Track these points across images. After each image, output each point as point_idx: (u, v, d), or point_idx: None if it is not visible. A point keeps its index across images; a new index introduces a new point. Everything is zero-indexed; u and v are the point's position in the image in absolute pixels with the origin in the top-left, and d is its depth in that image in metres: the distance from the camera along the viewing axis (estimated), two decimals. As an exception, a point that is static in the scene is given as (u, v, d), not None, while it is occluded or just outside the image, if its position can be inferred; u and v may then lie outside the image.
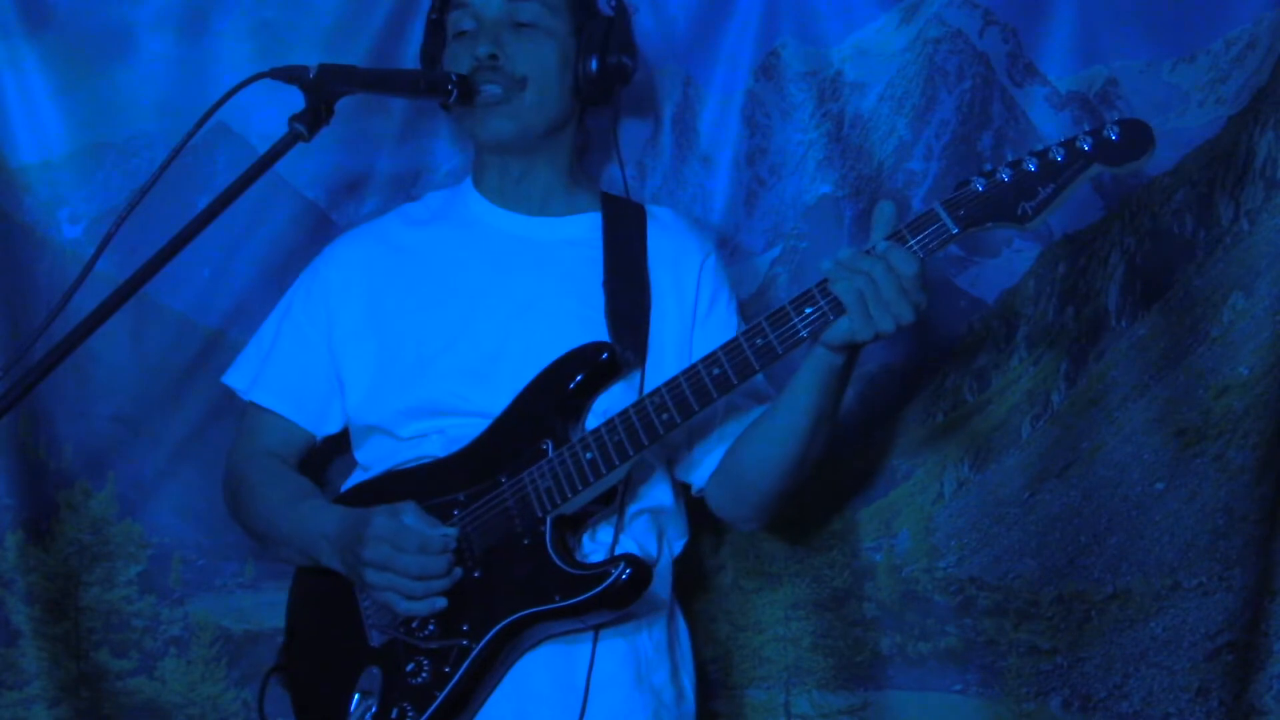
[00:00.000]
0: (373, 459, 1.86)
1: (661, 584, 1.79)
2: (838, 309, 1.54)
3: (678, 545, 1.87)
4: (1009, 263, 2.15)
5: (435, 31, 1.89)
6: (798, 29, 2.16)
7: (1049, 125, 2.10)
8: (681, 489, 1.89)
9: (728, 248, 2.17)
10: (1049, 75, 2.12)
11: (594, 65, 1.83)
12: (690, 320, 1.84)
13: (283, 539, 1.82)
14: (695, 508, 1.92)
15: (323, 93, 1.55)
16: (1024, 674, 2.12)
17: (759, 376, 1.86)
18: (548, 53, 1.82)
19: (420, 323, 1.81)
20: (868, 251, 1.54)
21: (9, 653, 2.05)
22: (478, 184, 1.92)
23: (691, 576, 2.20)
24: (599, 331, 1.76)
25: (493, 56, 1.78)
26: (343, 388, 1.86)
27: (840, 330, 1.56)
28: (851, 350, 1.62)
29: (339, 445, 1.95)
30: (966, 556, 2.15)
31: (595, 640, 1.68)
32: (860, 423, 2.16)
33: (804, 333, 1.56)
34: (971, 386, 2.16)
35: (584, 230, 1.87)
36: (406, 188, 2.16)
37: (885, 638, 2.16)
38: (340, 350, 1.86)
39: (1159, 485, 2.08)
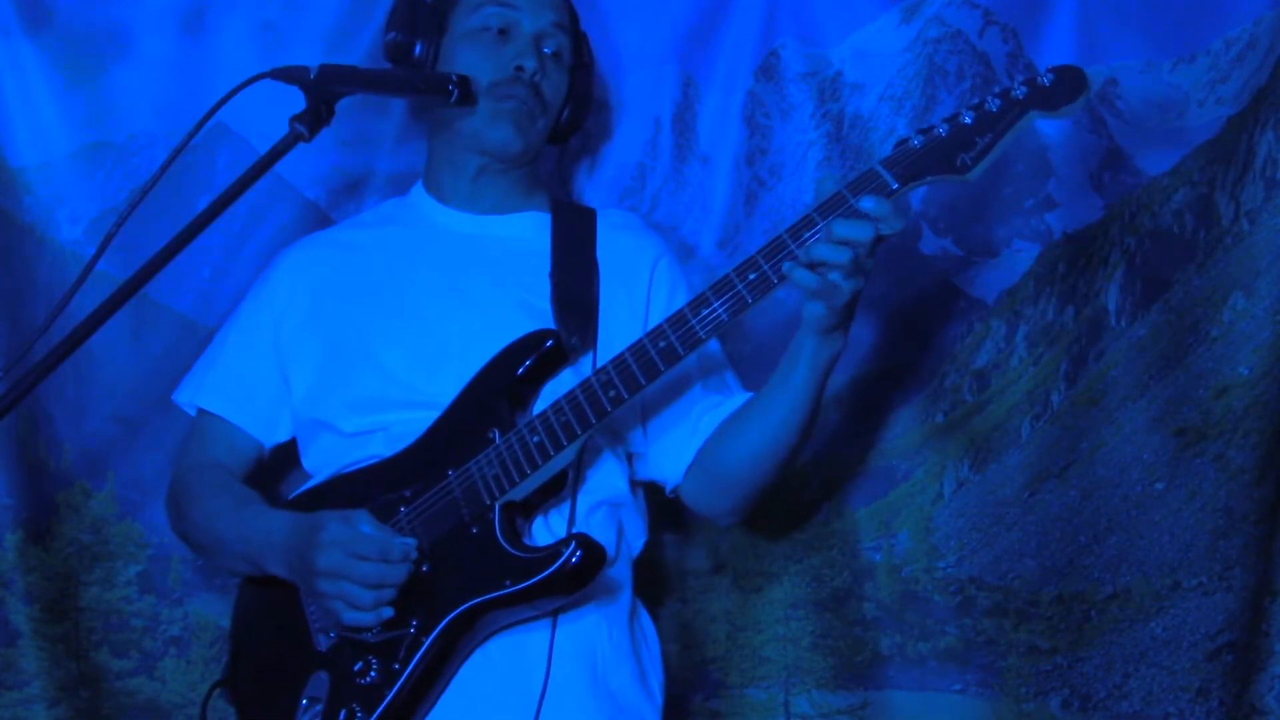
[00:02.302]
0: (319, 463, 1.82)
1: (622, 584, 1.77)
2: (780, 271, 1.52)
3: (637, 545, 1.83)
4: (1009, 263, 2.15)
5: (424, 14, 1.85)
6: (798, 29, 2.16)
7: (1049, 125, 2.10)
8: (641, 487, 1.86)
9: (728, 248, 2.17)
10: (1049, 75, 2.12)
11: (567, 113, 1.91)
12: (643, 314, 1.82)
13: (226, 547, 1.78)
14: (657, 508, 1.89)
15: (323, 93, 1.55)
16: (1024, 674, 2.12)
17: (729, 373, 1.87)
18: (563, 87, 1.89)
19: (364, 316, 1.80)
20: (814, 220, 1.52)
21: (9, 653, 2.04)
22: (429, 185, 1.93)
23: (688, 576, 2.21)
24: (544, 319, 1.75)
25: (535, 74, 1.82)
26: (289, 386, 1.84)
27: (817, 311, 1.54)
28: (838, 321, 1.57)
29: (291, 459, 1.92)
30: (966, 556, 2.15)
31: (553, 628, 1.64)
32: (860, 423, 2.16)
33: (749, 298, 1.53)
34: (971, 386, 2.16)
35: (532, 227, 1.88)
36: (406, 188, 2.16)
37: (885, 638, 2.16)
38: (287, 349, 1.84)
39: (1159, 485, 2.08)
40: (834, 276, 1.50)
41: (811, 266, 1.51)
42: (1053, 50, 2.12)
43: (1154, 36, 2.10)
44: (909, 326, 2.16)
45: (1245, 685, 1.93)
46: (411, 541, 1.61)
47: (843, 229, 1.48)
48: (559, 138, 1.96)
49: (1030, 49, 2.13)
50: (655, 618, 1.87)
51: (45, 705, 2.05)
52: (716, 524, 2.00)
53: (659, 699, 1.78)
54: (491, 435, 1.65)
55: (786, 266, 1.51)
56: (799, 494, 2.17)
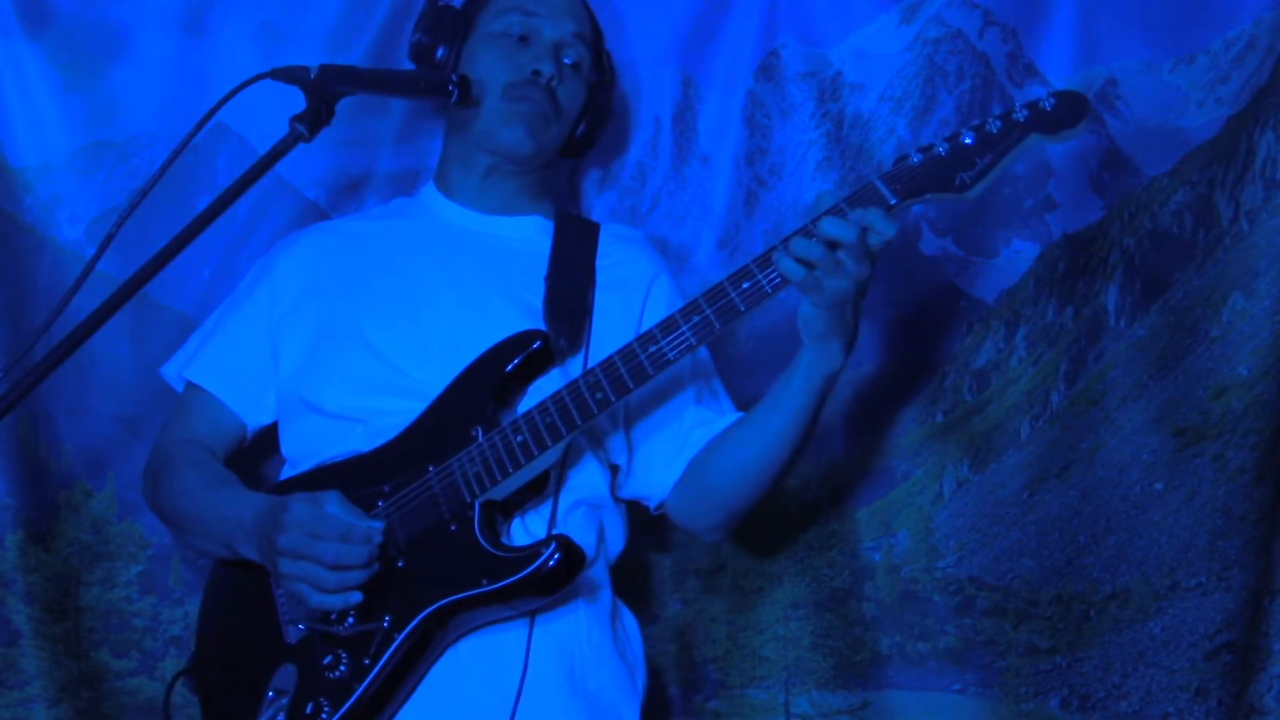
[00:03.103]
0: (298, 448, 1.82)
1: (601, 585, 1.76)
2: (777, 281, 1.53)
3: (614, 548, 1.83)
4: (1009, 263, 2.15)
5: (450, 19, 1.87)
6: (798, 29, 2.16)
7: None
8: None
9: (728, 248, 2.17)
10: (1049, 75, 2.13)
11: (583, 127, 1.94)
12: (635, 326, 1.83)
13: (200, 527, 1.77)
14: (636, 516, 1.89)
15: (323, 93, 1.55)
16: (1023, 674, 2.12)
17: (717, 381, 1.88)
18: (580, 98, 1.90)
19: (359, 299, 1.81)
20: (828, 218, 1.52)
21: (9, 653, 2.04)
22: (439, 181, 1.94)
23: (688, 576, 2.21)
24: (537, 316, 1.76)
25: (552, 79, 1.84)
26: (278, 365, 1.84)
27: (803, 311, 1.55)
28: (832, 328, 1.58)
29: (272, 444, 1.91)
30: (966, 556, 2.15)
31: (531, 628, 1.63)
32: (860, 423, 2.16)
33: (742, 306, 1.54)
34: (971, 386, 2.16)
35: (534, 230, 1.90)
36: (406, 188, 2.16)
37: (885, 638, 2.16)
38: (279, 328, 1.84)
39: (1158, 485, 2.08)
40: (816, 274, 1.50)
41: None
42: (1053, 50, 2.12)
43: (1153, 37, 2.10)
44: (909, 326, 2.16)
45: (1244, 685, 1.93)
46: (377, 525, 1.60)
47: (826, 227, 1.50)
48: (573, 151, 1.97)
49: (1030, 49, 2.13)
50: (655, 619, 1.87)
51: (45, 705, 2.05)
52: (701, 539, 1.99)
53: (639, 697, 1.78)
54: (474, 433, 1.65)
55: (775, 256, 1.51)
56: (799, 494, 2.17)
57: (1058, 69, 2.12)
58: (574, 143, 1.95)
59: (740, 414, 1.81)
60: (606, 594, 1.77)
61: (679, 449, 1.80)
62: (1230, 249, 2.04)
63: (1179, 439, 2.06)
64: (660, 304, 1.86)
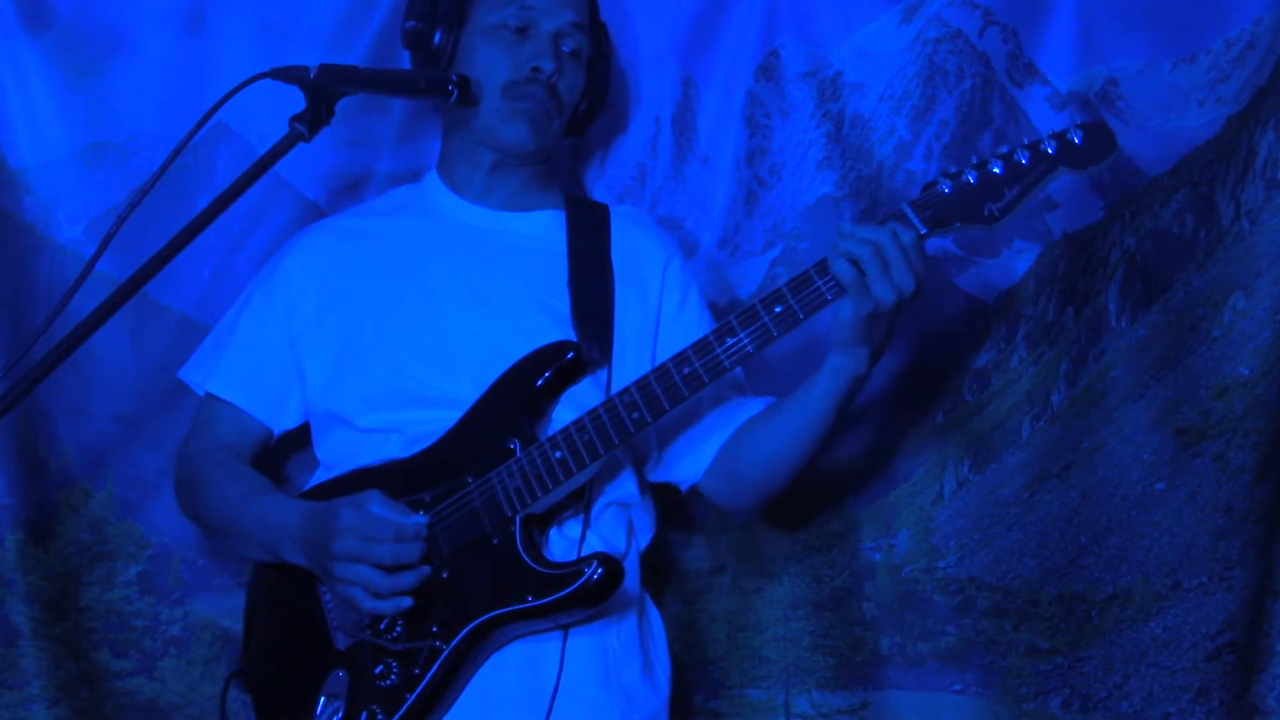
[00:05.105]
0: (334, 456, 1.83)
1: (630, 579, 1.78)
2: (809, 307, 1.56)
3: (644, 539, 1.86)
4: (1009, 263, 2.15)
5: (446, 4, 1.86)
6: (798, 29, 2.16)
7: (1049, 125, 2.09)
8: (650, 485, 1.89)
9: (728, 248, 2.17)
10: (1049, 75, 2.12)
11: (584, 106, 1.92)
12: (654, 319, 1.85)
13: (243, 534, 1.79)
14: (663, 503, 1.92)
15: (323, 93, 1.55)
16: (1024, 674, 2.12)
17: (741, 379, 1.89)
18: (580, 84, 1.89)
19: (381, 309, 1.81)
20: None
21: (9, 653, 2.05)
22: (444, 175, 1.93)
23: (688, 576, 2.21)
24: (563, 320, 1.77)
25: (552, 75, 1.83)
26: (303, 376, 1.84)
27: (844, 315, 1.57)
28: (863, 337, 1.60)
29: (297, 442, 1.93)
30: (966, 556, 2.15)
31: (565, 639, 1.67)
32: (860, 423, 2.16)
33: (775, 331, 1.57)
34: (971, 386, 2.16)
35: (548, 226, 1.89)
36: (407, 188, 2.16)
37: (885, 638, 2.16)
38: (301, 338, 1.84)
39: (1159, 485, 2.08)
40: (865, 277, 1.52)
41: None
42: (1053, 50, 2.12)
43: (1154, 36, 2.10)
44: (909, 326, 2.16)
45: (1246, 686, 1.93)
46: (423, 519, 1.64)
47: (865, 231, 1.53)
48: (576, 130, 1.97)
49: (1030, 49, 2.13)
50: (657, 616, 1.88)
51: (45, 705, 2.05)
52: (735, 519, 2.08)
53: (665, 690, 1.81)
54: (511, 446, 1.67)
55: (814, 273, 1.54)
56: (799, 494, 2.16)
57: (1058, 69, 2.12)
58: (576, 121, 1.94)
59: (762, 400, 1.84)
60: (635, 589, 1.80)
61: (703, 438, 1.83)
62: (1231, 249, 2.04)
63: (1180, 439, 2.06)
64: (675, 291, 1.88)
